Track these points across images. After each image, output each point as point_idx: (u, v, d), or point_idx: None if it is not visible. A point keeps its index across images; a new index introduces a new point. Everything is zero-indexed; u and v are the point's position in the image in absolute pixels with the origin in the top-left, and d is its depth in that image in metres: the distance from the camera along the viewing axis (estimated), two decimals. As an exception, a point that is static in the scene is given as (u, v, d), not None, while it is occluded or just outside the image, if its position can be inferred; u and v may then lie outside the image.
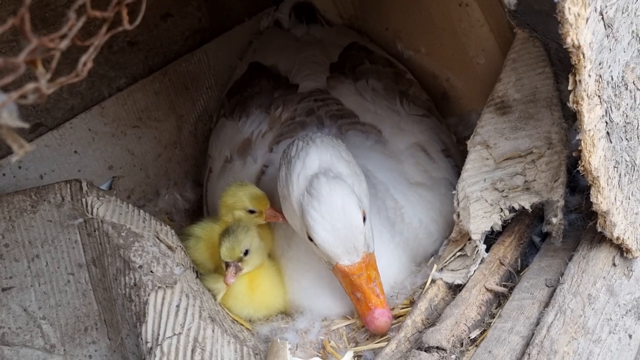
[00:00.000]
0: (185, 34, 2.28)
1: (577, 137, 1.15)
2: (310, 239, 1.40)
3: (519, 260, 1.55)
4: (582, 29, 1.06)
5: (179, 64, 2.25)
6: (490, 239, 1.56)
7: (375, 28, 2.43)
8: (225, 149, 1.98)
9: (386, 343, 1.40)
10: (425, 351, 1.32)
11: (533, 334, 1.27)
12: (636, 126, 1.42)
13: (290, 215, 1.49)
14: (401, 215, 1.63)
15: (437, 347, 1.32)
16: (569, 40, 1.05)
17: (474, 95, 2.20)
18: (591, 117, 1.15)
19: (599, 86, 1.18)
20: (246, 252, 1.53)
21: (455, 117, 2.27)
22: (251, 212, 1.63)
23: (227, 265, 1.52)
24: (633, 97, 1.40)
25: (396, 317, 1.50)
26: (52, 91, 0.64)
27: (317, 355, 1.39)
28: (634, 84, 1.41)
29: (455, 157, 1.86)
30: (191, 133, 2.30)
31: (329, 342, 1.44)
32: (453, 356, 1.33)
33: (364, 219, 1.40)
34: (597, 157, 1.19)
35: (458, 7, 2.09)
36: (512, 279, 1.51)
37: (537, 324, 1.29)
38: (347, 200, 1.38)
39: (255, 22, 2.50)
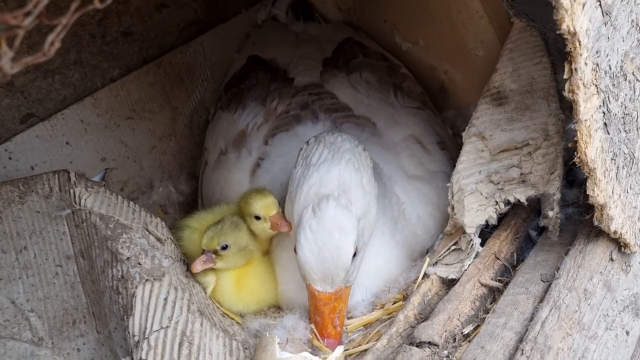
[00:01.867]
0: (180, 25, 2.25)
1: (570, 125, 1.12)
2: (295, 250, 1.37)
3: (515, 254, 1.52)
4: (578, 14, 1.03)
5: (174, 55, 2.22)
6: (486, 232, 1.54)
7: (374, 20, 2.40)
8: (220, 141, 1.95)
9: (377, 339, 1.37)
10: (417, 346, 1.29)
11: (527, 329, 1.24)
12: (635, 118, 1.39)
13: (288, 214, 1.46)
14: (403, 211, 1.61)
15: (429, 343, 1.29)
16: (564, 26, 1.01)
17: (472, 88, 2.17)
18: (587, 106, 1.12)
19: (596, 75, 1.14)
20: (225, 247, 1.49)
21: (454, 110, 2.24)
22: (257, 218, 1.55)
23: (203, 252, 1.49)
24: (632, 88, 1.37)
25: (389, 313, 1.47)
26: (16, 70, 0.61)
27: (307, 350, 1.36)
28: (634, 74, 1.37)
29: (451, 149, 1.83)
30: (186, 125, 2.28)
31: (315, 337, 1.42)
32: (445, 352, 1.30)
33: (355, 254, 1.35)
34: (593, 148, 1.16)
35: (457, -2, 2.06)
36: (507, 273, 1.48)
37: (532, 319, 1.26)
38: (345, 236, 1.32)
39: (252, 13, 2.47)
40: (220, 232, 1.48)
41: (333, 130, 1.49)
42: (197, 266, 1.47)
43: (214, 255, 1.49)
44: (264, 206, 1.52)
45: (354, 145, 1.44)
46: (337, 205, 1.33)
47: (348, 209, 1.33)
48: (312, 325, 1.45)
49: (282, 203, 1.53)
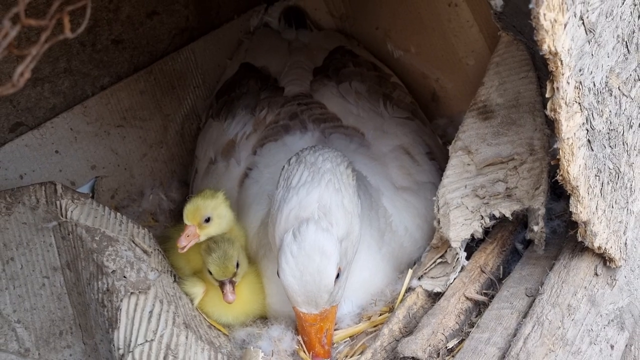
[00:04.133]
0: (172, 32, 2.25)
1: (554, 146, 1.12)
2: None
3: (501, 267, 1.52)
4: (559, 35, 1.03)
5: (165, 62, 2.22)
6: (472, 246, 1.54)
7: (366, 27, 2.40)
8: (210, 150, 1.96)
9: (362, 351, 1.37)
10: (401, 361, 1.29)
11: (510, 345, 1.24)
12: (621, 133, 1.39)
13: (270, 236, 1.44)
14: (390, 224, 1.60)
15: (413, 358, 1.29)
16: (545, 47, 1.01)
17: (463, 96, 2.17)
18: (570, 125, 1.12)
19: (579, 93, 1.14)
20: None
21: (445, 118, 2.25)
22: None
23: (222, 283, 1.48)
24: (618, 102, 1.37)
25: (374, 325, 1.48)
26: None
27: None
28: (620, 89, 1.37)
29: (440, 160, 1.83)
30: (178, 132, 2.28)
31: (302, 349, 1.42)
32: (429, 366, 1.30)
33: (338, 276, 1.35)
34: (576, 166, 1.16)
35: (447, 7, 2.06)
36: (493, 286, 1.48)
37: (515, 335, 1.26)
38: (326, 259, 1.31)
39: (244, 20, 2.47)
40: (228, 257, 1.48)
41: (315, 148, 1.48)
42: (231, 297, 1.47)
43: (234, 279, 1.49)
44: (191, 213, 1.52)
45: (336, 165, 1.42)
46: (317, 229, 1.31)
47: (329, 231, 1.32)
48: (300, 338, 1.45)
49: (268, 215, 1.53)
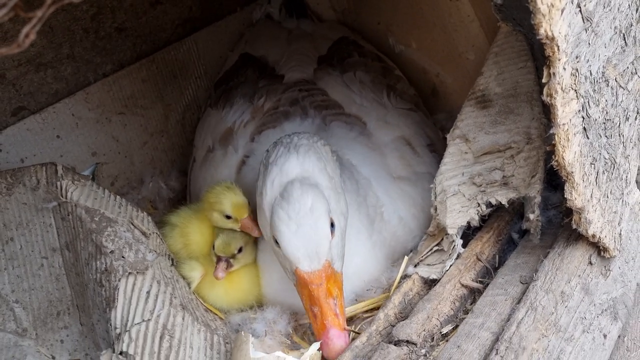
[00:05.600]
0: (175, 22, 2.26)
1: (550, 131, 1.13)
2: (276, 243, 1.37)
3: (497, 256, 1.53)
4: (556, 20, 1.04)
5: (167, 52, 2.24)
6: (469, 234, 1.55)
7: (368, 22, 2.41)
8: (208, 139, 1.97)
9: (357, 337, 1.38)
10: (395, 344, 1.30)
11: (503, 330, 1.26)
12: (617, 124, 1.40)
13: (262, 224, 1.45)
14: (380, 213, 1.61)
15: (407, 341, 1.30)
16: (542, 31, 1.03)
17: (463, 91, 2.17)
18: (566, 111, 1.13)
19: (575, 80, 1.16)
20: (240, 250, 1.55)
21: (445, 112, 2.26)
22: (227, 217, 1.59)
23: (219, 259, 1.52)
24: (615, 94, 1.38)
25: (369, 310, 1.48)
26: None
27: (284, 344, 1.37)
28: (616, 80, 1.39)
29: (441, 152, 1.83)
30: (178, 122, 2.29)
31: (296, 333, 1.42)
32: (423, 350, 1.31)
33: (333, 228, 1.36)
34: (571, 152, 1.17)
35: (448, 2, 2.07)
36: (488, 275, 1.49)
37: (508, 320, 1.27)
38: (317, 203, 1.33)
39: (247, 12, 2.48)
40: (234, 236, 1.54)
41: (292, 133, 1.52)
42: (220, 274, 1.51)
43: (231, 260, 1.54)
44: (236, 206, 1.56)
45: (312, 141, 1.47)
46: (302, 185, 1.35)
47: (314, 186, 1.36)
48: (309, 318, 1.38)
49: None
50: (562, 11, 1.05)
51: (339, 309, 1.34)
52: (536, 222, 1.44)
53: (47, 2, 0.67)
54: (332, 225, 1.36)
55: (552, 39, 1.04)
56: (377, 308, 1.49)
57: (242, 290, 1.58)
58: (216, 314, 1.56)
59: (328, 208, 1.35)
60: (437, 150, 1.86)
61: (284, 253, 1.35)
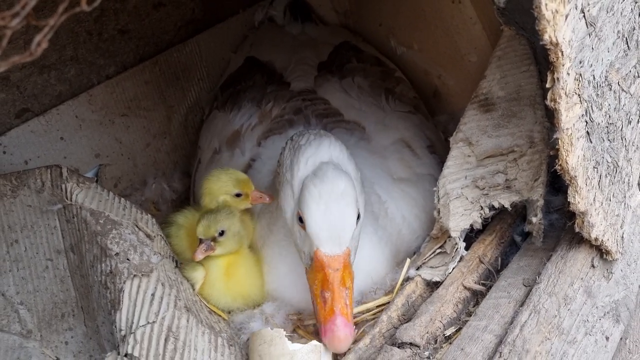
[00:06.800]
0: (177, 24, 2.27)
1: (554, 136, 1.14)
2: (300, 221, 1.37)
3: (500, 259, 1.54)
4: (560, 25, 1.05)
5: (170, 54, 2.25)
6: (472, 237, 1.56)
7: (369, 24, 2.42)
8: (214, 141, 1.98)
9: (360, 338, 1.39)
10: (398, 347, 1.31)
11: (507, 332, 1.26)
12: (620, 127, 1.41)
13: (286, 199, 1.45)
14: (385, 210, 1.63)
15: (410, 344, 1.31)
16: (546, 37, 1.04)
17: (465, 93, 2.18)
18: (569, 115, 1.14)
19: (578, 85, 1.16)
20: (222, 233, 1.53)
21: (446, 114, 2.26)
22: (237, 195, 1.62)
23: (200, 242, 1.52)
24: (617, 98, 1.39)
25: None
26: (3, 70, 0.63)
27: (290, 335, 1.38)
28: (619, 84, 1.39)
29: (441, 153, 1.85)
30: (181, 124, 2.30)
31: (300, 327, 1.44)
32: (426, 353, 1.32)
33: (358, 219, 1.38)
34: (575, 156, 1.18)
35: (451, 4, 2.07)
36: (491, 277, 1.50)
37: (512, 323, 1.28)
38: (348, 189, 1.36)
39: (249, 14, 2.49)
40: (215, 219, 1.52)
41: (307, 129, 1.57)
42: (199, 255, 1.51)
43: (212, 243, 1.52)
44: (242, 182, 1.61)
45: (333, 138, 1.52)
46: (336, 168, 1.39)
47: (346, 173, 1.40)
48: (317, 319, 1.38)
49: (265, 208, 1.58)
50: (567, 17, 1.06)
51: (349, 300, 1.36)
52: (539, 225, 1.45)
53: (58, 10, 0.68)
54: (358, 216, 1.38)
55: (557, 44, 1.05)
56: (380, 310, 1.50)
57: (241, 283, 1.58)
58: (220, 315, 1.57)
59: (356, 197, 1.38)
60: (437, 151, 1.88)
61: (308, 231, 1.35)
